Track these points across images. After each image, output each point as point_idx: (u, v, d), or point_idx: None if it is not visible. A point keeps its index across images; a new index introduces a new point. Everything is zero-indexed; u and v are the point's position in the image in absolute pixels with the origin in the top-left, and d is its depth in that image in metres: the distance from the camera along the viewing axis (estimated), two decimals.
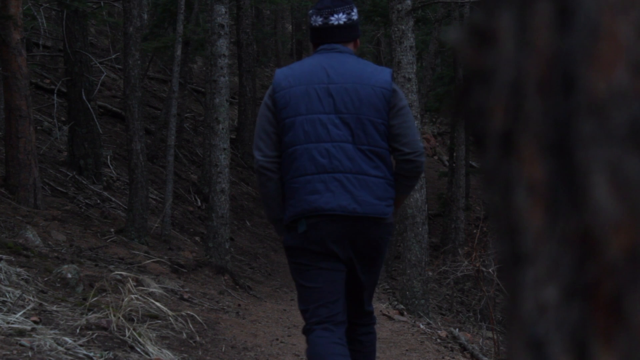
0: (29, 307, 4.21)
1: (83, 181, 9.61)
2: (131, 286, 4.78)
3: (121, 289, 4.89)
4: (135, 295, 4.72)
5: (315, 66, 3.23)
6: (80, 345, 3.80)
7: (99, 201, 9.34)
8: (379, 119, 3.19)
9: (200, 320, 5.24)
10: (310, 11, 3.32)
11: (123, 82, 9.92)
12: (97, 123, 10.09)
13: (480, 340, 7.26)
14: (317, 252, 3.19)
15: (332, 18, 3.25)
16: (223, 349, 5.03)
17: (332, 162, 3.17)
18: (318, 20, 3.28)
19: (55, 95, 11.17)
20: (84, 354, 3.70)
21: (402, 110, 3.22)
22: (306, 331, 3.25)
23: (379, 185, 3.19)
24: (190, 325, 4.98)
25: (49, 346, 3.60)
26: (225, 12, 8.71)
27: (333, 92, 3.19)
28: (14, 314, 3.97)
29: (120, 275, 5.36)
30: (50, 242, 6.68)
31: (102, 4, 12.20)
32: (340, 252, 3.20)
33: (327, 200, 3.14)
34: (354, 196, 3.15)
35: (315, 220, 3.16)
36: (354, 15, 3.30)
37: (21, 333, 3.71)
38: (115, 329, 4.17)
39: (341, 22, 3.25)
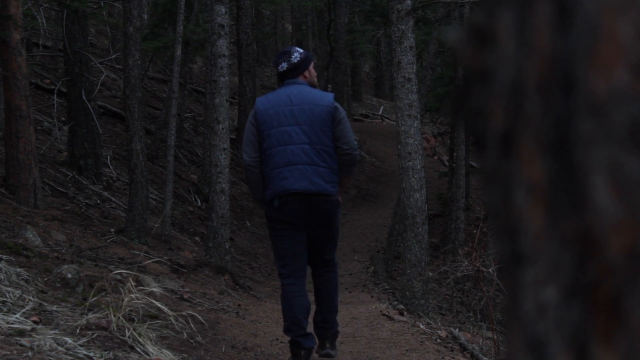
0: (29, 307, 4.21)
1: (83, 181, 9.60)
2: (131, 286, 4.78)
3: (121, 289, 4.89)
4: (135, 295, 4.72)
5: (282, 95, 4.83)
6: (80, 345, 3.80)
7: (99, 201, 9.34)
8: (326, 127, 4.76)
9: (201, 320, 5.24)
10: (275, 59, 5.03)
11: (123, 82, 9.92)
12: (97, 123, 10.09)
13: (480, 340, 7.26)
14: (285, 221, 4.77)
15: (279, 67, 4.91)
16: (223, 349, 5.03)
17: (295, 157, 4.72)
18: (280, 65, 4.95)
19: (55, 95, 11.17)
20: (84, 354, 3.70)
21: (342, 121, 4.80)
22: (280, 279, 4.90)
23: (327, 173, 4.76)
24: (191, 325, 4.98)
25: (49, 346, 3.60)
26: (225, 12, 8.71)
27: (295, 112, 4.76)
28: (14, 314, 3.97)
29: (120, 275, 5.35)
30: (50, 242, 6.68)
31: (102, 4, 12.20)
32: (300, 221, 4.77)
33: (292, 183, 4.70)
34: (310, 180, 4.72)
35: (285, 199, 4.72)
36: (294, 59, 4.89)
37: (21, 333, 3.71)
38: (115, 329, 4.17)
39: (285, 68, 4.88)
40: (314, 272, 5.01)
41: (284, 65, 4.88)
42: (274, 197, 4.74)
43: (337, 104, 4.85)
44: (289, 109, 4.77)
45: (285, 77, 4.89)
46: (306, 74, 4.92)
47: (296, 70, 4.89)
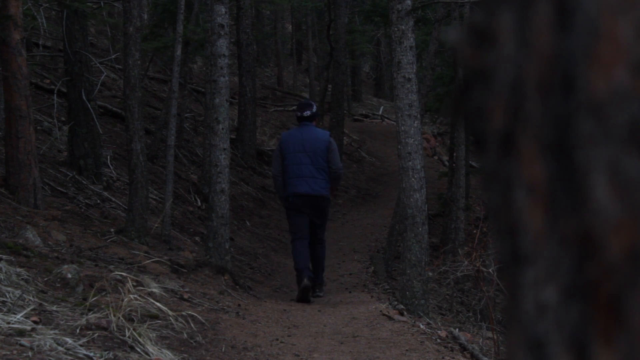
0: (29, 307, 4.21)
1: (83, 181, 9.60)
2: (131, 286, 4.78)
3: (121, 289, 4.89)
4: (135, 295, 4.72)
5: (298, 132, 7.95)
6: (80, 345, 3.80)
7: (99, 201, 9.33)
8: (323, 154, 7.78)
9: (201, 320, 5.24)
10: (297, 109, 8.31)
11: (123, 82, 9.91)
12: (97, 123, 10.09)
13: (480, 340, 7.25)
14: (296, 209, 7.82)
15: (303, 114, 8.01)
16: (223, 349, 5.03)
17: (302, 172, 7.76)
18: (298, 114, 8.08)
19: (55, 95, 11.16)
20: (84, 354, 3.70)
21: (333, 150, 7.89)
22: (292, 241, 8.02)
23: (322, 182, 7.80)
24: (191, 325, 4.98)
25: (49, 346, 3.60)
26: (225, 12, 8.71)
27: (304, 143, 7.78)
28: (14, 314, 3.97)
29: (120, 275, 5.35)
30: (50, 242, 6.68)
31: (102, 4, 12.19)
32: (305, 209, 7.81)
33: (299, 188, 7.75)
34: (311, 187, 7.75)
35: (295, 197, 7.78)
36: (314, 110, 8.14)
37: (21, 333, 3.72)
38: (115, 329, 4.18)
39: (307, 115, 7.99)
40: (312, 247, 7.96)
41: (307, 113, 7.97)
42: (288, 196, 7.80)
43: (331, 139, 7.96)
44: (300, 140, 7.78)
45: (304, 120, 7.93)
46: (316, 121, 8.13)
47: (312, 117, 8.01)
